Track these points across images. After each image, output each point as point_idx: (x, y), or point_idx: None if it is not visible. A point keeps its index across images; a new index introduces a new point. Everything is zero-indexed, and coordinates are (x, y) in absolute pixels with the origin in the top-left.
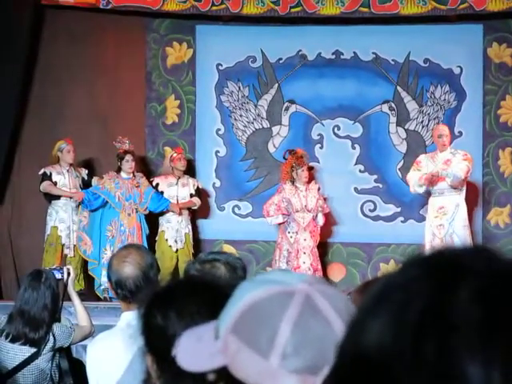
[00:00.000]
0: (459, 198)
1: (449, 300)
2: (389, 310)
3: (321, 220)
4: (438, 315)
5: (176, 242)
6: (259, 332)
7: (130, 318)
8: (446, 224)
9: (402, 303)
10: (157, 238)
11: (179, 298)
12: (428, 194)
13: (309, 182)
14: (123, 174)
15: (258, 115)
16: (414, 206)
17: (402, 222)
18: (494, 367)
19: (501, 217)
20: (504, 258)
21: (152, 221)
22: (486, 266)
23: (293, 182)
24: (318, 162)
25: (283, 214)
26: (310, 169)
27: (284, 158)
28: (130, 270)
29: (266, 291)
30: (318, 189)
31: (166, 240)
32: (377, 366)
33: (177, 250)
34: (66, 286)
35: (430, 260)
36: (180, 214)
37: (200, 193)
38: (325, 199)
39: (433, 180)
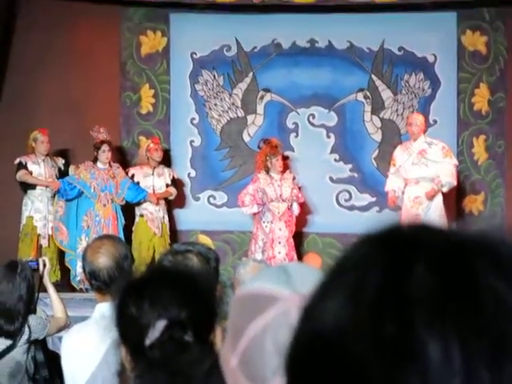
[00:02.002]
0: (431, 187)
1: (404, 273)
2: (343, 288)
3: (296, 209)
4: (393, 290)
5: (157, 227)
6: (231, 327)
7: (104, 309)
8: (422, 214)
9: (356, 281)
10: (134, 228)
11: (152, 289)
12: (404, 182)
13: (283, 171)
14: (99, 164)
15: (233, 104)
16: None
17: (377, 211)
18: (452, 338)
19: (475, 204)
20: (463, 233)
21: (127, 212)
22: (443, 240)
23: (267, 171)
24: (293, 151)
25: (258, 204)
26: (285, 158)
27: (258, 147)
28: (103, 260)
29: (257, 288)
30: (293, 178)
31: (146, 222)
32: (335, 348)
33: (154, 233)
34: (41, 277)
35: (383, 236)
36: (157, 203)
37: (176, 183)
38: (300, 188)
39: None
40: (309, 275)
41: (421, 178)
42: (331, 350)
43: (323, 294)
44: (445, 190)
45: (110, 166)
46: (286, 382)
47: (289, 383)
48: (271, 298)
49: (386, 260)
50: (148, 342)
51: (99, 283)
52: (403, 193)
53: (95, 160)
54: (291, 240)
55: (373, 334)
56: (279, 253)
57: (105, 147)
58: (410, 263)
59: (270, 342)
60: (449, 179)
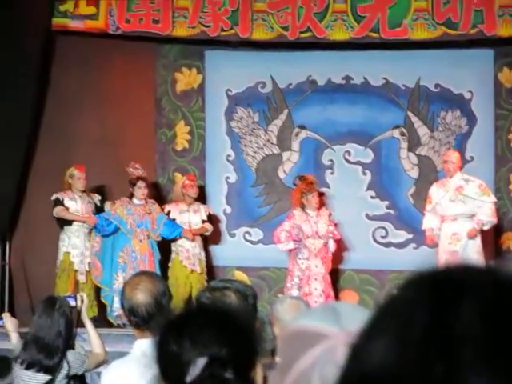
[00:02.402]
0: (472, 224)
1: (451, 314)
2: (391, 329)
3: (332, 246)
4: (440, 331)
5: (194, 264)
6: (281, 362)
7: (144, 346)
8: (460, 250)
9: (403, 322)
10: (170, 264)
11: (193, 326)
12: (441, 219)
13: (319, 208)
14: (135, 200)
15: (268, 141)
16: None
17: (414, 248)
18: (499, 381)
19: None
20: (508, 273)
21: (164, 248)
22: (489, 281)
23: (303, 208)
24: (329, 188)
25: (294, 241)
26: (321, 195)
27: (294, 184)
28: (142, 297)
29: (306, 325)
30: (329, 215)
31: (181, 261)
32: None
33: (192, 271)
34: (79, 313)
35: (429, 277)
36: (193, 240)
37: (211, 219)
38: (336, 225)
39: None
40: (357, 314)
41: (458, 215)
42: None
43: (371, 334)
44: (486, 228)
45: (146, 202)
46: None
47: None
48: (319, 335)
49: (433, 301)
50: (189, 379)
51: (138, 319)
52: (440, 230)
53: (131, 196)
54: (327, 277)
55: (420, 374)
56: (315, 289)
57: (140, 183)
58: (456, 304)
59: (317, 378)
60: (489, 218)
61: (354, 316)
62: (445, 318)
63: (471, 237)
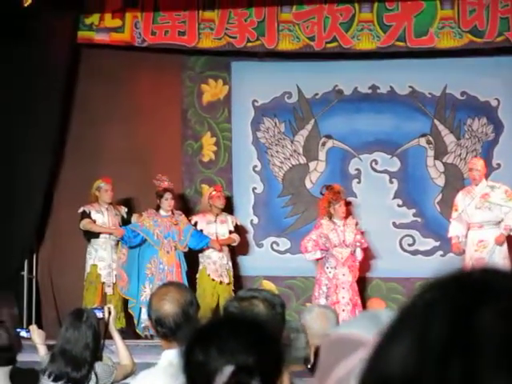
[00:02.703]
0: (499, 231)
1: (471, 322)
2: (410, 335)
3: (359, 255)
4: (460, 338)
5: (221, 275)
6: (320, 368)
7: (171, 356)
8: (487, 257)
9: (423, 328)
10: (197, 276)
11: (220, 335)
12: (467, 227)
13: (346, 217)
14: (162, 212)
15: (295, 151)
16: None
17: (441, 255)
18: None
19: None
20: None
21: (191, 259)
22: (508, 286)
23: (330, 217)
24: (356, 197)
25: (321, 250)
26: (348, 204)
27: (321, 193)
28: (169, 307)
29: (347, 333)
30: (356, 224)
31: (209, 275)
32: None
33: (220, 282)
34: (107, 324)
35: (449, 281)
36: (220, 250)
37: (239, 229)
38: (363, 234)
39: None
40: None
41: (484, 222)
42: None
43: (390, 340)
44: None
45: (173, 213)
46: None
47: None
48: (358, 343)
49: (455, 304)
50: None
51: (165, 330)
52: (466, 237)
53: (158, 208)
54: (355, 285)
55: (439, 377)
56: (343, 298)
57: (167, 195)
58: (478, 307)
59: None
60: None
61: None
62: (466, 321)
63: (499, 243)
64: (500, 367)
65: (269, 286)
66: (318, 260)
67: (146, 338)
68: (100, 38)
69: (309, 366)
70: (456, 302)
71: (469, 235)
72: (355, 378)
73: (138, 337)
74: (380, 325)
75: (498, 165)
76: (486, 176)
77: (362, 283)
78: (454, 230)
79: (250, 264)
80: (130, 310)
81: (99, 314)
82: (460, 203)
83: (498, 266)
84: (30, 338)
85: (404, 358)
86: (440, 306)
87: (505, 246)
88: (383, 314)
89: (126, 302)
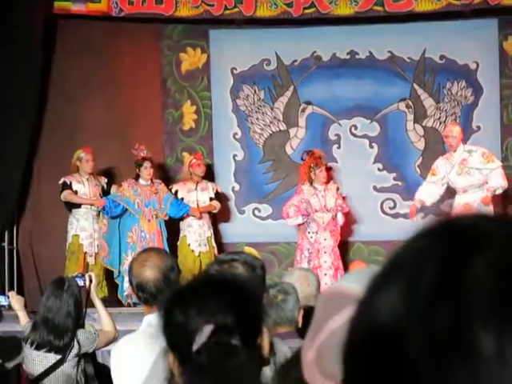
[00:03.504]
0: (483, 193)
1: (462, 269)
2: (399, 282)
3: (341, 219)
4: (450, 285)
5: (200, 245)
6: (313, 322)
7: (150, 319)
8: None
9: (412, 274)
10: (178, 243)
11: (199, 295)
12: (453, 192)
13: (327, 182)
14: (142, 181)
15: (275, 118)
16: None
17: (422, 218)
18: (507, 338)
19: None
20: None
21: (172, 226)
22: (502, 233)
23: (311, 182)
24: (336, 162)
25: (303, 215)
26: (328, 169)
27: (302, 159)
28: (150, 273)
29: (341, 287)
30: (337, 189)
31: (189, 245)
32: (390, 342)
33: (199, 253)
34: (88, 292)
35: (441, 228)
36: (200, 218)
37: (220, 197)
38: (344, 198)
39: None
40: None
41: (467, 187)
42: (385, 343)
43: (379, 288)
44: (498, 193)
45: (152, 182)
46: (342, 373)
47: (344, 374)
48: (352, 298)
49: (444, 251)
50: (195, 347)
51: (146, 295)
52: (452, 203)
53: (137, 177)
54: (336, 249)
55: (426, 328)
56: (325, 262)
57: (146, 164)
58: (468, 256)
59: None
60: (500, 183)
61: None
62: (457, 270)
63: (486, 204)
64: (489, 319)
65: (251, 252)
66: (299, 225)
67: (128, 305)
68: (77, 8)
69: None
70: (446, 251)
71: (455, 200)
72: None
73: (120, 305)
74: None
75: (478, 127)
76: (466, 139)
77: (344, 247)
78: (421, 193)
79: (232, 231)
80: (116, 280)
81: (80, 282)
82: (440, 169)
83: (487, 212)
84: (9, 306)
85: (393, 306)
86: (430, 255)
87: (491, 208)
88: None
89: (108, 272)
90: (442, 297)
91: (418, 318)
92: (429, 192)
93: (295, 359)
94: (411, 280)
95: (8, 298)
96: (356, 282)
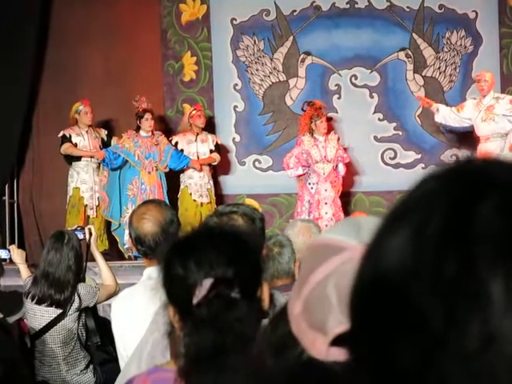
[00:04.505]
0: (503, 143)
1: (470, 212)
2: (407, 226)
3: (342, 170)
4: (458, 229)
5: (201, 196)
6: (300, 275)
7: (150, 272)
8: None
9: (420, 218)
10: (179, 195)
11: (198, 247)
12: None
13: (328, 132)
14: (142, 133)
15: (274, 68)
16: (435, 152)
17: (423, 168)
18: None
19: None
20: None
21: (173, 179)
22: (511, 178)
23: (312, 133)
24: (337, 113)
25: (303, 166)
26: (329, 120)
27: (302, 109)
28: (148, 226)
29: (327, 239)
30: (338, 139)
31: (190, 194)
32: (397, 286)
33: (201, 204)
34: (88, 246)
35: (450, 172)
36: (200, 170)
37: (219, 148)
38: (345, 149)
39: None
40: None
41: (491, 135)
42: (393, 288)
43: (386, 233)
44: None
45: (153, 134)
46: (350, 321)
47: (352, 322)
48: (338, 248)
49: (451, 195)
50: (195, 300)
51: (145, 248)
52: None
53: (138, 129)
54: (338, 200)
55: (434, 272)
56: (326, 213)
57: (147, 115)
58: (477, 200)
59: (332, 289)
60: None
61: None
62: (464, 213)
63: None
64: (496, 262)
65: (252, 204)
66: (300, 176)
67: (129, 258)
68: None
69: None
70: (455, 194)
71: (478, 148)
72: (334, 282)
73: (121, 258)
74: (360, 231)
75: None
76: (466, 89)
77: (345, 198)
78: (443, 114)
79: (233, 183)
80: (113, 233)
81: (80, 236)
82: (466, 110)
83: (503, 157)
84: (10, 259)
85: (401, 249)
86: (438, 197)
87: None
88: (363, 220)
89: (109, 224)
90: (449, 240)
91: (426, 262)
92: (446, 114)
93: (283, 313)
94: (419, 223)
95: (9, 251)
96: (340, 232)
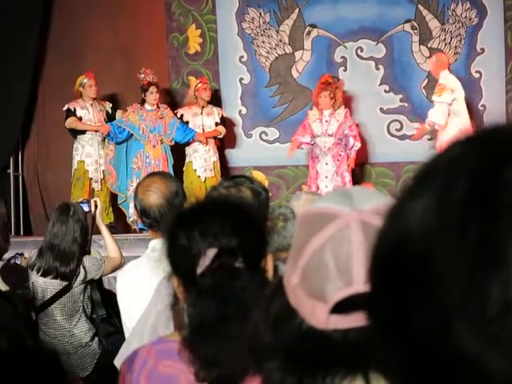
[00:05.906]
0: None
1: (495, 178)
2: (431, 190)
3: (352, 142)
4: (483, 194)
5: (205, 170)
6: (294, 246)
7: (155, 244)
8: None
9: (444, 182)
10: (184, 169)
11: (202, 218)
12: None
13: (339, 106)
14: (147, 106)
15: (280, 41)
16: None
17: (428, 139)
18: None
19: None
20: None
21: (178, 152)
22: None
23: (318, 107)
24: (343, 85)
25: (310, 135)
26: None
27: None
28: (153, 198)
29: (319, 207)
30: (346, 112)
31: (195, 170)
32: (419, 251)
33: (205, 179)
34: (94, 218)
35: (477, 138)
36: (206, 143)
37: (225, 121)
38: (357, 126)
39: None
40: (369, 194)
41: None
42: (415, 251)
43: (410, 196)
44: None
45: (158, 107)
46: (370, 285)
47: (371, 285)
48: (331, 216)
49: (476, 161)
50: (199, 270)
51: (150, 221)
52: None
53: (143, 102)
54: (345, 174)
55: (458, 236)
56: (326, 187)
57: (152, 89)
58: (502, 166)
59: (330, 257)
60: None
61: (365, 196)
62: (490, 178)
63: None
64: None
65: (259, 176)
66: (308, 145)
67: (134, 231)
68: None
69: None
70: (481, 159)
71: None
72: (331, 249)
73: (127, 231)
74: (350, 198)
75: (482, 49)
76: (471, 62)
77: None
78: (437, 114)
79: (240, 155)
80: (120, 206)
81: (85, 208)
82: (458, 90)
83: None
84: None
85: (425, 212)
86: (464, 162)
87: None
88: (353, 189)
89: (114, 198)
90: (473, 204)
91: (450, 225)
92: (440, 116)
93: (279, 285)
94: (444, 186)
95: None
96: (332, 201)
